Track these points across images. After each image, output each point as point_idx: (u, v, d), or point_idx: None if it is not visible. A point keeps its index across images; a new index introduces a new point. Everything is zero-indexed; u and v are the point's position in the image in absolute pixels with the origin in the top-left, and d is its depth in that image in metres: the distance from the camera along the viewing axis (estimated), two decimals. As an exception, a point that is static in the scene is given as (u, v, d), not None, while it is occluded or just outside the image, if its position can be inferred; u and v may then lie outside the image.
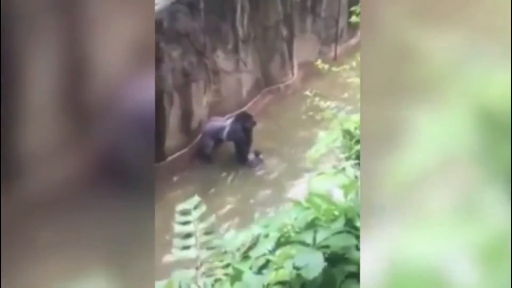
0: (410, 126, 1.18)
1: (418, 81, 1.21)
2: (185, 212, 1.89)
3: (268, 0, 7.50)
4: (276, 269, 1.66)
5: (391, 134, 1.20)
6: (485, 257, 1.11)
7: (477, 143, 1.15)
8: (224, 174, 6.59)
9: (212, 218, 1.92)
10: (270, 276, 1.66)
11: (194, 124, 6.93)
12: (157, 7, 6.33)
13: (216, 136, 6.88)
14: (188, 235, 1.88)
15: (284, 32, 7.82)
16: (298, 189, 5.50)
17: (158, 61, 6.42)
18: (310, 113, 3.48)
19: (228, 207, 5.84)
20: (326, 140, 3.00)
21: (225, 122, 6.91)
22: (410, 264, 1.12)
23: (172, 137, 6.74)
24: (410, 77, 1.21)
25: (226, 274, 1.75)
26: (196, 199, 1.83)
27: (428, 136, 1.17)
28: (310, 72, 7.15)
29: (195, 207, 1.85)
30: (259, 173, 6.70)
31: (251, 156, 6.78)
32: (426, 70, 1.21)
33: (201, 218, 1.89)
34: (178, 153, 6.78)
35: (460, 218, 1.14)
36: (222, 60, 7.16)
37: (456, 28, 1.23)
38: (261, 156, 6.79)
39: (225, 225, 4.86)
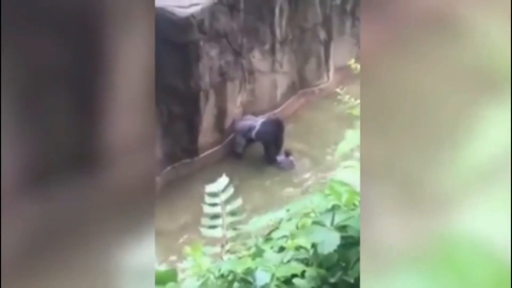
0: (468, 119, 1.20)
1: (486, 75, 1.21)
2: (213, 194, 2.01)
3: (307, 2, 7.57)
4: (295, 247, 1.76)
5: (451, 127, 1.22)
6: None
7: None
8: (253, 172, 6.72)
9: (239, 201, 2.03)
10: (289, 253, 1.76)
11: (227, 122, 7.04)
12: (198, 7, 6.49)
13: (247, 135, 6.98)
14: (215, 216, 1.99)
15: (322, 34, 7.86)
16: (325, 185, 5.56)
17: (197, 59, 6.57)
18: (341, 111, 3.54)
19: (256, 202, 5.95)
20: (354, 136, 3.06)
21: (256, 122, 7.00)
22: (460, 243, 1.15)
23: (206, 135, 6.86)
24: (477, 71, 1.22)
25: (249, 254, 1.85)
26: (224, 179, 1.94)
27: (492, 129, 1.20)
28: (346, 76, 7.21)
29: (223, 190, 1.97)
30: (289, 172, 6.80)
31: (281, 157, 6.85)
32: (494, 63, 1.22)
33: (228, 201, 2.00)
34: (211, 150, 6.89)
35: None
36: (258, 60, 7.26)
37: None
38: (291, 157, 6.86)
39: (251, 215, 4.97)
